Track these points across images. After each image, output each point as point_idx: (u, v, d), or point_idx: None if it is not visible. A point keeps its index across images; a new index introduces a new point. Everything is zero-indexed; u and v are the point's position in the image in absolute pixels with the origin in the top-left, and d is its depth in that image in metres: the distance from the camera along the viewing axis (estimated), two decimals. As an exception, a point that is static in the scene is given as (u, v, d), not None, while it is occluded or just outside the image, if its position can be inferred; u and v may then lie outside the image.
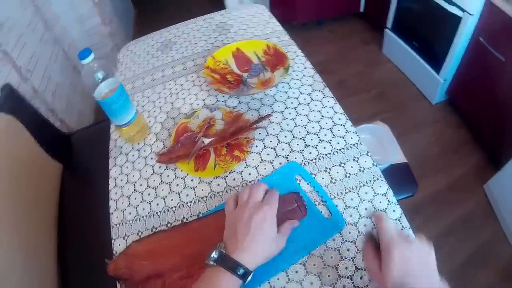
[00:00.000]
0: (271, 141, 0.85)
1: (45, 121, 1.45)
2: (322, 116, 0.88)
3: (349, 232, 0.68)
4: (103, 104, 0.83)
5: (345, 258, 0.65)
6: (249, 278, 0.57)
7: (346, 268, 0.64)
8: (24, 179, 1.14)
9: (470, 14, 1.72)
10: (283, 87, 0.98)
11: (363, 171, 0.76)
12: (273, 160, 0.81)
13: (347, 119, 0.86)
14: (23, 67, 1.58)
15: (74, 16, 2.26)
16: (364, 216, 0.70)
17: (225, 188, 0.79)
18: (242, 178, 0.80)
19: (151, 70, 1.17)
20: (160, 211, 0.79)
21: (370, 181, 0.75)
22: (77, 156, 1.47)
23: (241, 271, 0.55)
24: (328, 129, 0.85)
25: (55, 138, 1.48)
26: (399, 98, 2.22)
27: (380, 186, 0.74)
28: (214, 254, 0.58)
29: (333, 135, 0.83)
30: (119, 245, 0.76)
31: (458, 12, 1.77)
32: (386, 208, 0.71)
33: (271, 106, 0.93)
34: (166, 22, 1.43)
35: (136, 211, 0.81)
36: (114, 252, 0.75)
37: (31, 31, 1.74)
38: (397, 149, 1.21)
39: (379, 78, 2.35)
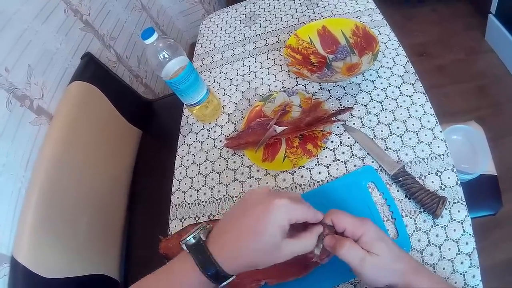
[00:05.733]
0: (348, 138, 0.78)
1: (127, 87, 1.51)
2: (410, 115, 0.78)
3: (412, 259, 0.61)
4: (170, 84, 0.83)
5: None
6: (226, 282, 0.46)
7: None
8: (104, 143, 1.23)
9: None
10: (370, 75, 0.88)
11: (443, 189, 0.66)
12: (348, 161, 0.75)
13: (437, 122, 0.75)
14: (107, 34, 1.62)
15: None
16: (433, 244, 0.61)
17: (290, 184, 0.76)
18: (311, 177, 0.75)
19: (232, 44, 1.14)
20: (221, 199, 0.78)
21: (449, 203, 0.65)
22: (157, 123, 1.54)
23: (212, 270, 0.44)
24: (414, 132, 0.75)
25: (136, 105, 1.54)
26: (498, 96, 1.96)
27: (459, 211, 0.64)
28: (191, 237, 0.46)
29: (419, 140, 0.73)
30: (175, 226, 0.77)
31: None
32: (458, 239, 0.61)
33: (354, 97, 0.85)
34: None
35: (197, 194, 0.81)
36: (169, 232, 0.76)
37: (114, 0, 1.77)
38: (488, 158, 1.06)
39: (480, 70, 2.09)
